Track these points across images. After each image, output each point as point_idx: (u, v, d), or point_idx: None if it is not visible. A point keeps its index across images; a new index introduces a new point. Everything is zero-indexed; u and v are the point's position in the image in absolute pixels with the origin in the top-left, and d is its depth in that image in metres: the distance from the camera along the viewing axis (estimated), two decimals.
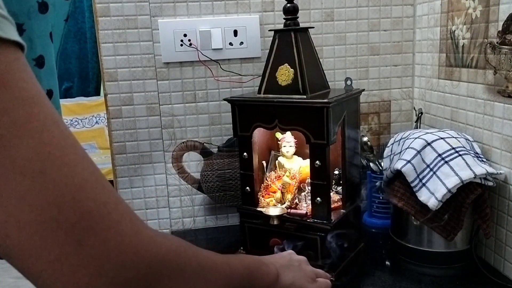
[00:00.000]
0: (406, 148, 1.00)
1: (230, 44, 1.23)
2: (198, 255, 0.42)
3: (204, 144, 1.27)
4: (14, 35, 0.30)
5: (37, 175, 0.29)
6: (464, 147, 0.97)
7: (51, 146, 0.30)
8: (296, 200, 1.06)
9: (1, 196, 0.28)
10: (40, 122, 0.30)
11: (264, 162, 1.11)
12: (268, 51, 1.03)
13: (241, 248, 1.11)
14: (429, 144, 0.97)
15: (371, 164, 1.22)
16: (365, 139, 1.22)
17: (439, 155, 0.95)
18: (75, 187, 0.30)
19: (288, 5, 1.00)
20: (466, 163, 0.93)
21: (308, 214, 1.01)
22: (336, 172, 1.09)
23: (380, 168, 1.19)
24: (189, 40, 1.21)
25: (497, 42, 0.94)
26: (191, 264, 0.39)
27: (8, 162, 0.28)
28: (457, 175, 0.91)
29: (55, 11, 0.41)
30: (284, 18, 1.01)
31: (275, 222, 1.00)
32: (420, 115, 1.22)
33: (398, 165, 0.98)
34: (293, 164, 1.08)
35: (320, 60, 1.08)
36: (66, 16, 0.48)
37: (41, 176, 0.29)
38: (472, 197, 0.92)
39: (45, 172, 0.29)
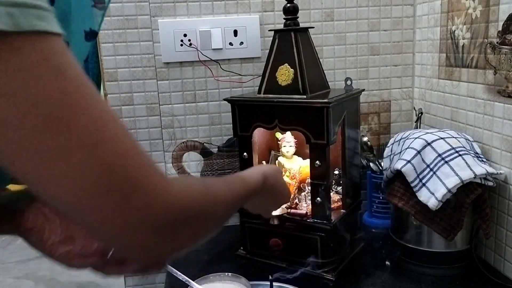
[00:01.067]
0: (406, 148, 1.00)
1: (230, 44, 1.23)
2: (214, 196, 0.51)
3: (204, 144, 1.27)
4: (58, 27, 0.34)
5: (92, 147, 0.35)
6: (464, 147, 0.97)
7: (102, 121, 0.36)
8: (296, 200, 1.06)
9: (67, 165, 0.34)
10: (92, 101, 0.36)
11: (264, 162, 1.11)
12: (268, 51, 1.03)
13: (241, 248, 1.11)
14: (429, 144, 0.97)
15: (371, 164, 1.22)
16: (365, 139, 1.22)
17: (439, 155, 0.95)
18: (122, 154, 0.37)
19: (288, 5, 1.00)
20: (466, 163, 0.93)
21: (308, 214, 1.01)
22: (336, 172, 1.09)
23: (380, 168, 1.19)
24: (189, 40, 1.21)
25: (497, 42, 0.94)
26: (208, 206, 0.48)
27: (71, 137, 0.34)
28: (457, 175, 0.92)
29: (75, 51, 0.43)
30: (284, 18, 1.02)
31: (275, 222, 1.01)
32: (420, 115, 1.22)
33: (398, 165, 0.98)
34: (293, 164, 1.08)
35: (320, 60, 1.08)
36: (85, 56, 0.50)
37: (96, 147, 0.35)
38: (472, 197, 0.92)
39: (98, 143, 0.35)
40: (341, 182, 1.07)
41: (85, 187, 0.35)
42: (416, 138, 1.00)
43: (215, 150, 1.27)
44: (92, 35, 0.49)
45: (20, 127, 0.32)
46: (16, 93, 0.32)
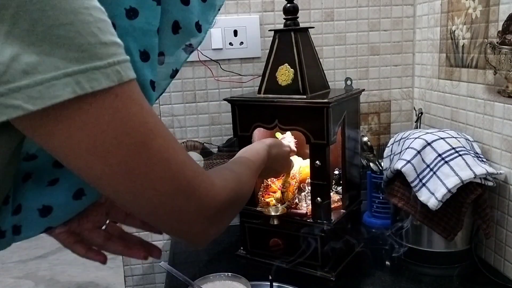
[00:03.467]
0: (406, 148, 1.00)
1: (230, 44, 1.23)
2: (243, 183, 0.64)
3: (204, 144, 1.27)
4: (134, 74, 0.42)
5: (166, 162, 0.45)
6: (464, 147, 0.97)
7: (169, 140, 0.46)
8: (296, 200, 1.06)
9: (150, 179, 0.44)
10: (160, 125, 0.45)
11: None
12: (268, 51, 1.03)
13: (241, 248, 1.11)
14: (429, 144, 0.97)
15: (371, 164, 1.22)
16: (365, 139, 1.22)
17: (439, 155, 0.95)
18: (182, 164, 0.47)
19: (288, 5, 1.00)
20: (466, 163, 0.93)
21: (308, 214, 1.01)
22: (336, 172, 1.09)
23: (380, 168, 1.19)
24: None
25: (497, 42, 0.94)
26: (241, 193, 0.61)
27: (152, 156, 0.43)
28: (457, 175, 0.92)
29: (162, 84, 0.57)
30: (284, 18, 1.02)
31: (275, 222, 1.00)
32: (420, 115, 1.22)
33: (398, 165, 0.98)
34: None
35: (320, 60, 1.08)
36: (165, 89, 0.61)
37: (168, 162, 0.45)
38: (472, 197, 0.92)
39: (170, 159, 0.45)
40: (341, 182, 1.07)
41: (162, 195, 0.46)
42: (416, 138, 1.00)
43: (215, 150, 1.27)
44: (175, 73, 0.58)
45: (117, 153, 0.41)
46: (117, 127, 0.40)
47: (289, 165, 0.93)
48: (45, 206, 0.52)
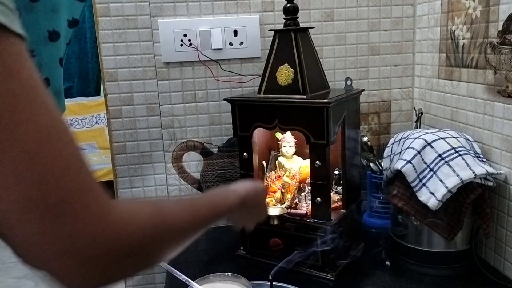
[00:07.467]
0: (406, 148, 1.00)
1: (230, 44, 1.23)
2: (168, 223, 0.46)
3: (204, 144, 1.27)
4: (19, 29, 0.34)
5: (32, 155, 0.33)
6: (464, 147, 0.97)
7: (48, 129, 0.34)
8: (296, 200, 1.06)
9: (2, 168, 0.32)
10: (42, 107, 0.34)
11: (264, 162, 1.11)
12: (268, 51, 1.03)
13: (241, 248, 1.11)
14: (429, 144, 0.97)
15: (371, 164, 1.22)
16: (365, 139, 1.22)
17: (439, 155, 0.95)
18: (61, 169, 0.34)
19: (288, 5, 1.00)
20: (466, 163, 0.93)
21: (308, 214, 1.01)
22: (336, 172, 1.09)
23: (380, 168, 1.19)
24: (189, 40, 1.21)
25: (497, 42, 0.94)
26: (158, 235, 0.43)
27: (13, 140, 0.32)
28: (457, 175, 0.91)
29: (62, 36, 0.49)
30: (284, 18, 1.01)
31: (275, 222, 1.00)
32: (420, 115, 1.22)
33: (398, 165, 0.98)
34: (293, 164, 1.08)
35: (320, 60, 1.08)
36: (68, 41, 0.55)
37: (35, 156, 0.33)
38: (472, 197, 0.92)
39: (39, 153, 0.33)
40: (341, 182, 1.07)
41: (17, 198, 0.33)
42: (416, 138, 1.00)
43: (215, 150, 1.27)
44: (74, 23, 0.49)
45: None
46: None
47: (264, 215, 0.82)
48: None
